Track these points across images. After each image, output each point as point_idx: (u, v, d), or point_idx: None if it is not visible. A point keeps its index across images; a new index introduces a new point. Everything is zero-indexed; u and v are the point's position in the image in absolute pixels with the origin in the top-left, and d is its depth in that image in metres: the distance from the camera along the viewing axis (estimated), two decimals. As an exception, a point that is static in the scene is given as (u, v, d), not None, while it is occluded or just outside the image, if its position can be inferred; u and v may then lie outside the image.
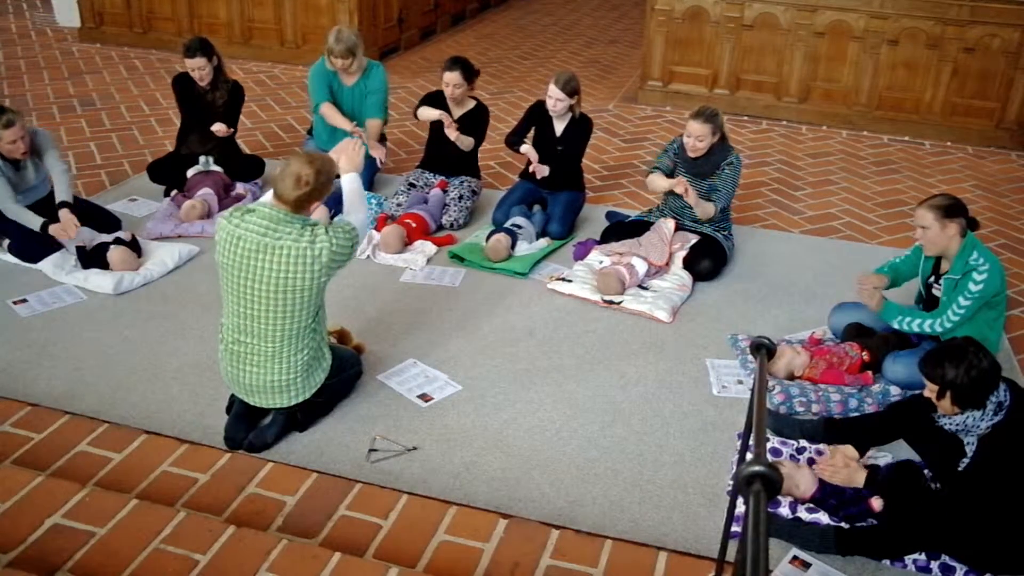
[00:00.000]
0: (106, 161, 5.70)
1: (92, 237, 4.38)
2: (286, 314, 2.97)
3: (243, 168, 5.19)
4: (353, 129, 4.89)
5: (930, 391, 2.67)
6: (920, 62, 6.49)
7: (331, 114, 5.10)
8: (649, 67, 7.16)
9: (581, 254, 4.54)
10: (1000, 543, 2.60)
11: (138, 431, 3.11)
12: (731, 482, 2.94)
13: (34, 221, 4.21)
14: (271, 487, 2.85)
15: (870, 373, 3.54)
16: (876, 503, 2.79)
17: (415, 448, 3.13)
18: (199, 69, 4.92)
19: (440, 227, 4.86)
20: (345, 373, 3.35)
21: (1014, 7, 6.17)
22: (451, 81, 4.82)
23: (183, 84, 5.08)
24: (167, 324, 3.88)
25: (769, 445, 3.16)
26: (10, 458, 2.92)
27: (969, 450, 2.69)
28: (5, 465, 2.84)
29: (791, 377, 3.56)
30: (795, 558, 2.69)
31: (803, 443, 3.19)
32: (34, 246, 4.22)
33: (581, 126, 4.82)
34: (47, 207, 4.33)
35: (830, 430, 3.18)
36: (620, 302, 4.11)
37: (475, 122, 4.97)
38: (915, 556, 2.68)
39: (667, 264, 4.35)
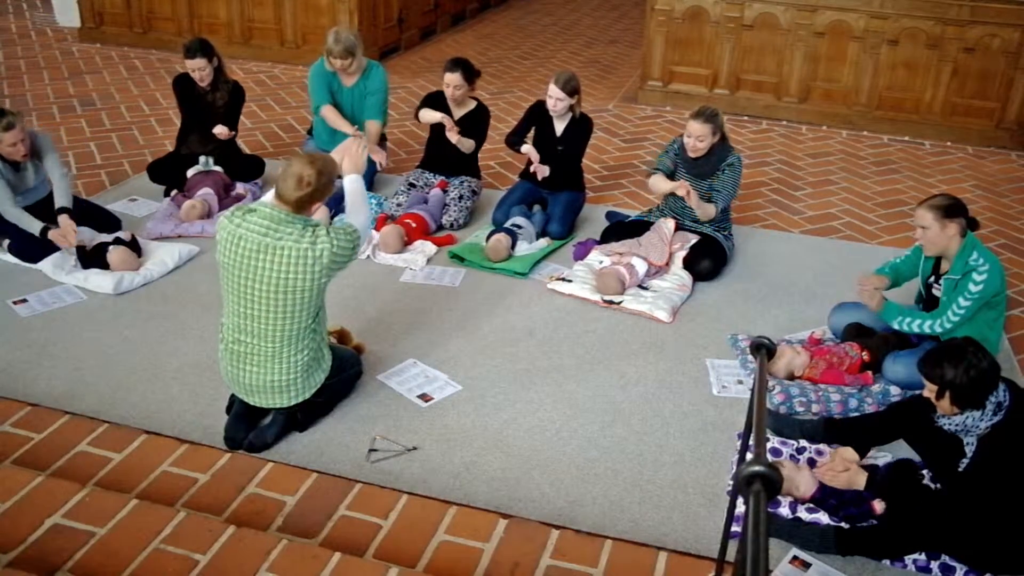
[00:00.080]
0: (106, 161, 5.70)
1: (92, 237, 4.39)
2: (286, 314, 2.97)
3: (243, 168, 5.19)
4: (355, 133, 4.89)
5: (929, 391, 2.67)
6: (920, 62, 6.49)
7: (332, 117, 5.10)
8: (649, 67, 7.17)
9: (581, 254, 4.54)
10: (1000, 543, 2.60)
11: (138, 431, 3.11)
12: (731, 482, 2.94)
13: (34, 226, 4.20)
14: (271, 487, 2.85)
15: (870, 373, 3.54)
16: (878, 506, 2.79)
17: (415, 448, 3.13)
18: (199, 70, 4.92)
19: (440, 227, 4.86)
20: (345, 373, 3.35)
21: (1014, 7, 6.17)
22: (452, 82, 4.82)
23: (183, 85, 5.08)
24: (167, 324, 3.88)
25: (769, 445, 3.16)
26: (10, 458, 2.92)
27: (969, 450, 2.69)
28: (5, 465, 2.84)
29: (791, 377, 3.56)
30: (795, 558, 2.69)
31: (803, 443, 3.19)
32: (34, 246, 4.23)
33: (581, 126, 4.82)
34: (47, 208, 4.33)
35: (830, 430, 3.19)
36: (620, 302, 4.11)
37: (476, 123, 4.97)
38: (915, 556, 2.68)
39: (667, 264, 4.35)
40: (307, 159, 2.96)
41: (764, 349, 2.22)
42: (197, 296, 4.10)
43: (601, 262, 4.38)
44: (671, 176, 4.50)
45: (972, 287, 3.32)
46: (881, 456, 3.10)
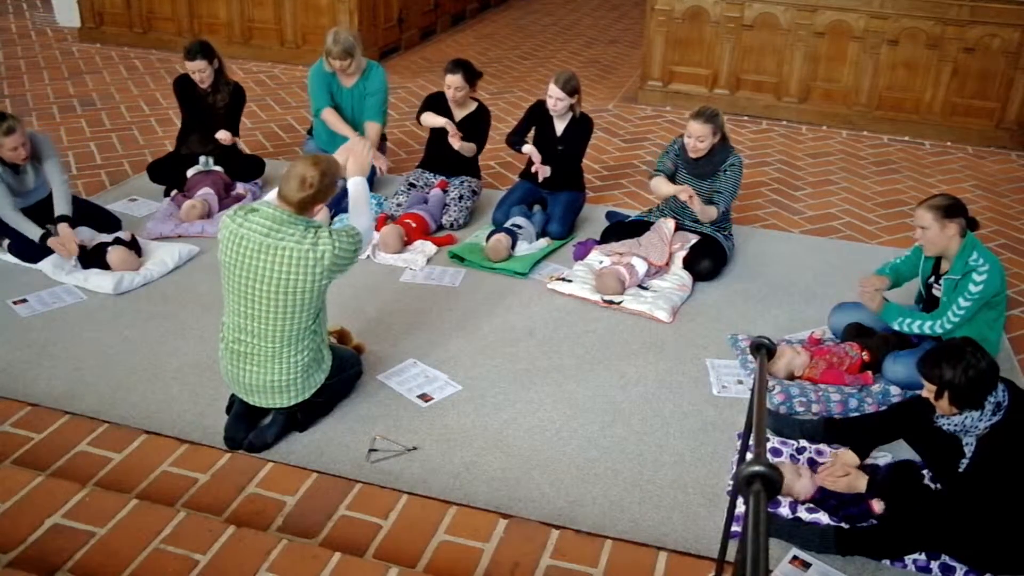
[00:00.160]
0: (106, 161, 5.70)
1: (92, 237, 4.39)
2: (286, 315, 2.97)
3: (243, 168, 5.19)
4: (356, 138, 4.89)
5: (928, 391, 2.67)
6: (920, 62, 6.49)
7: (333, 120, 5.10)
8: (649, 67, 7.17)
9: (581, 254, 4.54)
10: (1000, 543, 2.60)
11: (138, 431, 3.11)
12: (731, 482, 2.94)
13: (34, 232, 4.19)
14: (271, 487, 2.85)
15: (870, 373, 3.54)
16: (877, 505, 2.79)
17: (415, 448, 3.13)
18: (199, 72, 4.92)
19: (440, 227, 4.86)
20: (345, 373, 3.35)
21: (1014, 7, 6.17)
22: (453, 83, 4.82)
23: (184, 86, 5.08)
24: (167, 324, 3.88)
25: (769, 445, 3.16)
26: (10, 458, 2.92)
27: (968, 450, 2.69)
28: (5, 465, 2.84)
29: (791, 377, 3.56)
30: (795, 558, 2.69)
31: (803, 443, 3.19)
32: (34, 246, 4.22)
33: (582, 126, 4.82)
34: (46, 209, 4.32)
35: (830, 430, 3.19)
36: (620, 302, 4.11)
37: (477, 125, 4.97)
38: (915, 556, 2.68)
39: (667, 264, 4.35)
40: (311, 160, 2.96)
41: (764, 349, 2.22)
42: (197, 296, 4.10)
43: (601, 262, 4.38)
44: (671, 177, 4.50)
45: (972, 287, 3.32)
46: (881, 456, 3.10)
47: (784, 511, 2.83)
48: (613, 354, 3.77)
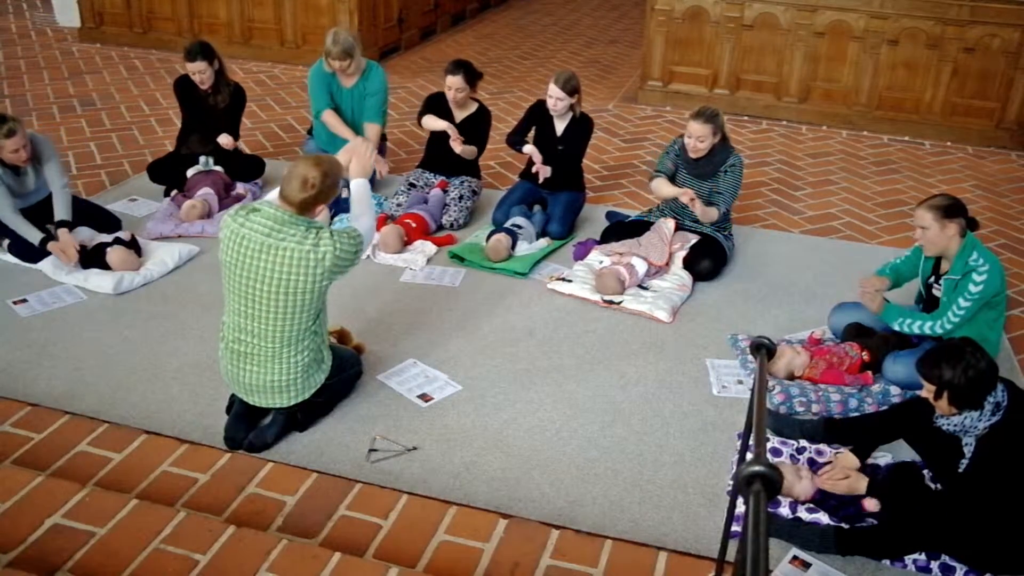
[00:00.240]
0: (106, 161, 5.70)
1: (92, 237, 4.39)
2: (286, 315, 2.97)
3: (243, 168, 5.19)
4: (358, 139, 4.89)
5: (927, 391, 2.67)
6: (920, 62, 6.49)
7: (333, 123, 5.10)
8: (649, 67, 7.17)
9: (581, 254, 4.54)
10: (1000, 543, 2.60)
11: (138, 431, 3.11)
12: (731, 482, 2.94)
13: (34, 236, 4.18)
14: (271, 487, 2.85)
15: (870, 373, 3.54)
16: (869, 503, 2.79)
17: (415, 448, 3.13)
18: (200, 73, 4.91)
19: (440, 227, 4.86)
20: (345, 373, 3.35)
21: (1014, 7, 6.17)
22: (453, 85, 4.82)
23: (184, 86, 5.07)
24: (167, 324, 3.88)
25: (769, 445, 3.16)
26: (10, 458, 2.92)
27: (967, 451, 2.69)
28: (5, 465, 2.84)
29: (791, 377, 3.56)
30: (795, 558, 2.69)
31: (803, 443, 3.19)
32: (34, 246, 4.22)
33: (582, 125, 4.82)
34: (46, 210, 4.32)
35: (830, 430, 3.19)
36: (620, 302, 4.11)
37: (477, 126, 4.97)
38: (915, 556, 2.68)
39: (667, 264, 4.35)
40: (313, 161, 2.96)
41: (764, 349, 2.22)
42: (197, 296, 4.10)
43: (601, 262, 4.38)
44: (672, 177, 4.50)
45: (972, 287, 3.32)
46: (881, 456, 3.10)
47: (784, 511, 2.83)
48: (613, 354, 3.77)
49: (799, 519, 2.80)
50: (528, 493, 2.94)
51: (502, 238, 4.48)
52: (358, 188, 3.32)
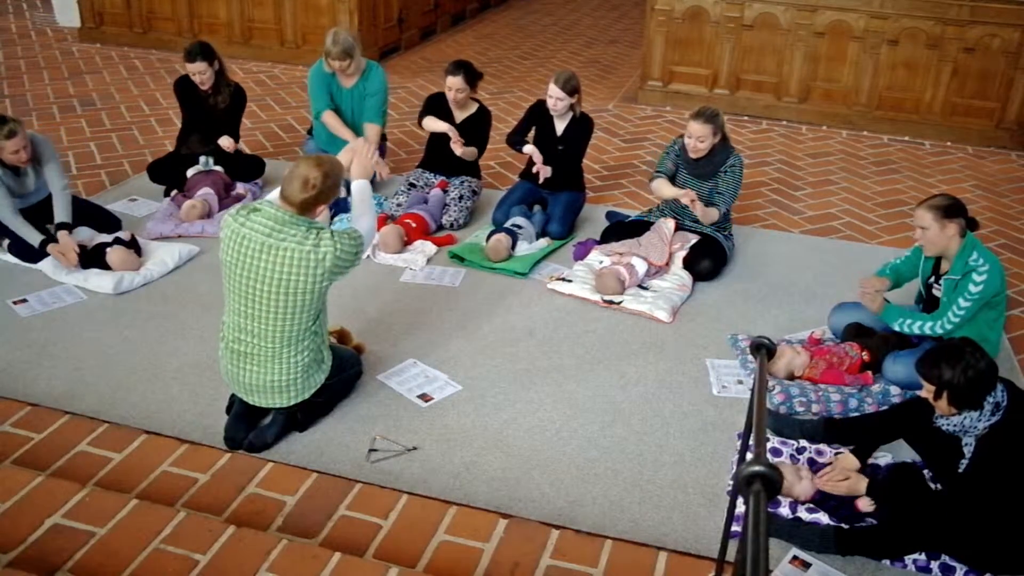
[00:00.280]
0: (106, 161, 5.70)
1: (92, 237, 4.38)
2: (286, 315, 2.97)
3: (243, 168, 5.19)
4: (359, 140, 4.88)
5: (927, 391, 2.67)
6: (920, 62, 6.49)
7: (333, 124, 5.10)
8: (649, 67, 7.17)
9: (581, 254, 4.54)
10: (999, 543, 2.60)
11: (138, 431, 3.11)
12: (731, 482, 2.94)
13: (34, 238, 4.18)
14: (271, 487, 2.85)
15: (870, 373, 3.54)
16: (862, 503, 2.79)
17: (415, 448, 3.13)
18: (200, 73, 4.91)
19: (440, 227, 4.86)
20: (345, 373, 3.35)
21: (1014, 7, 6.18)
22: (454, 85, 4.82)
23: (185, 87, 5.07)
24: (167, 324, 3.88)
25: (769, 445, 3.16)
26: (10, 458, 2.92)
27: (967, 451, 2.69)
28: (5, 465, 2.84)
29: (791, 377, 3.56)
30: (795, 558, 2.69)
31: (803, 443, 3.19)
32: (34, 246, 4.22)
33: (582, 125, 4.82)
34: (45, 211, 4.32)
35: (830, 430, 3.19)
36: (620, 302, 4.11)
37: (478, 127, 4.97)
38: (915, 556, 2.68)
39: (667, 264, 4.35)
40: (314, 161, 2.96)
41: (764, 349, 2.22)
42: (197, 296, 4.10)
43: (601, 262, 4.38)
44: (672, 178, 4.50)
45: (972, 287, 3.32)
46: (881, 456, 3.10)
47: (784, 511, 2.83)
48: (613, 354, 3.77)
49: (799, 519, 2.80)
50: (528, 493, 2.94)
51: (502, 238, 4.48)
52: (359, 189, 3.32)
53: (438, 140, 4.99)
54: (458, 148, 4.82)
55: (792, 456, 3.13)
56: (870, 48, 6.55)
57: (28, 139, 4.15)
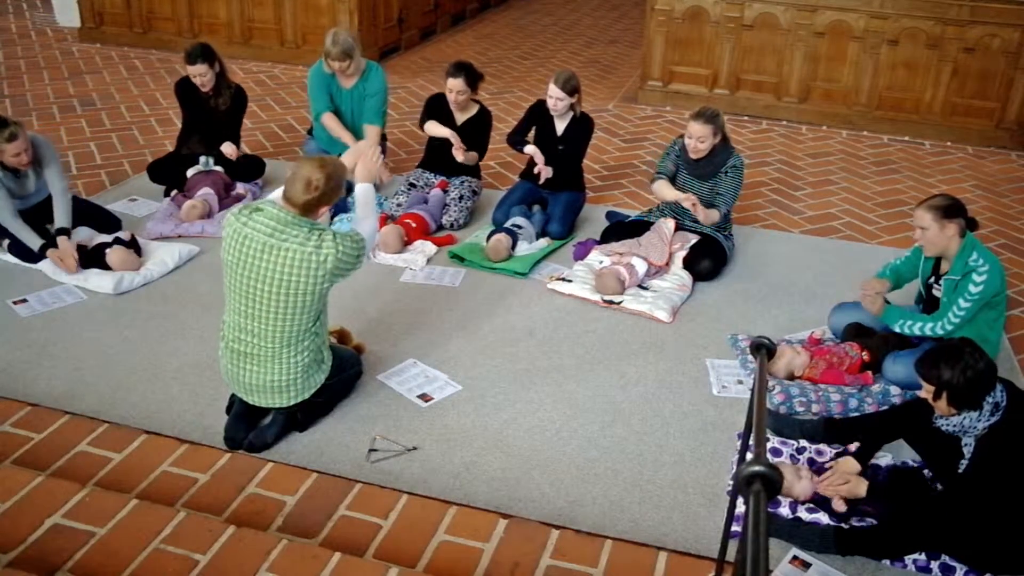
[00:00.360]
0: (106, 161, 5.70)
1: (92, 237, 4.38)
2: (287, 316, 2.97)
3: (243, 168, 5.19)
4: (353, 144, 4.88)
5: (926, 392, 2.67)
6: (920, 62, 6.49)
7: (333, 126, 5.10)
8: (649, 67, 7.17)
9: (581, 254, 4.54)
10: (999, 543, 2.60)
11: (138, 431, 3.12)
12: (731, 482, 2.94)
13: (34, 242, 4.18)
14: (271, 487, 2.85)
15: (870, 373, 3.54)
16: (837, 504, 2.79)
17: (415, 448, 3.13)
18: (200, 75, 4.91)
19: (440, 227, 4.86)
20: (345, 373, 3.35)
21: (1014, 7, 6.18)
22: (455, 87, 4.81)
23: (185, 89, 5.07)
24: (167, 324, 3.88)
25: (769, 445, 3.16)
26: (10, 458, 2.92)
27: (967, 451, 2.69)
28: (5, 465, 2.85)
29: (791, 377, 3.56)
30: (795, 558, 2.69)
31: (803, 443, 3.19)
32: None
33: (582, 125, 4.82)
34: (45, 212, 4.32)
35: (830, 430, 3.19)
36: (620, 302, 4.11)
37: (478, 129, 4.97)
38: (915, 556, 2.68)
39: (667, 264, 4.35)
40: (317, 163, 2.96)
41: (764, 349, 2.22)
42: (197, 296, 4.10)
43: (601, 262, 4.38)
44: (673, 178, 4.50)
45: (972, 288, 3.32)
46: (881, 457, 3.10)
47: (784, 511, 2.83)
48: (613, 354, 3.77)
49: (799, 519, 2.80)
50: (528, 493, 2.94)
51: (502, 238, 4.48)
52: (363, 193, 3.32)
53: (438, 140, 4.99)
54: (460, 155, 4.83)
55: (792, 456, 3.13)
56: (870, 48, 6.55)
57: (29, 142, 4.14)
